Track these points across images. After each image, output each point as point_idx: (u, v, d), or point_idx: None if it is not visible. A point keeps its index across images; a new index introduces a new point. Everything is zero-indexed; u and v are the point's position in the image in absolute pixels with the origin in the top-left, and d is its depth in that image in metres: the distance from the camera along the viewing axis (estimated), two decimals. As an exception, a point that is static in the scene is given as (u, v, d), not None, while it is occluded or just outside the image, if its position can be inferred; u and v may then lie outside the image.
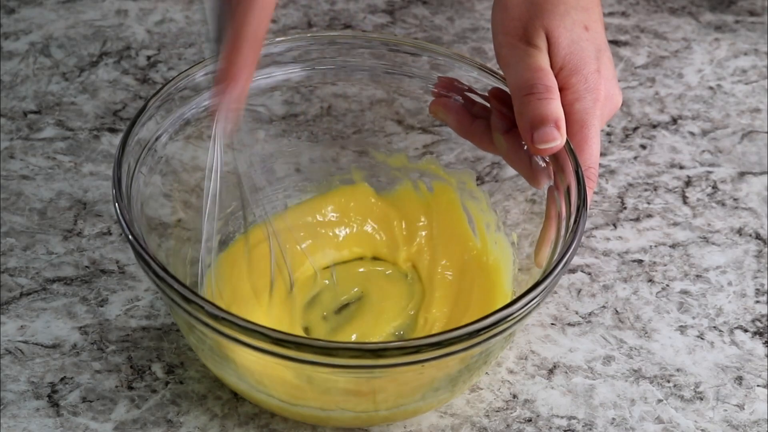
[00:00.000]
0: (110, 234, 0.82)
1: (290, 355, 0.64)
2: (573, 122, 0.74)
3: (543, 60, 0.74)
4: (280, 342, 0.63)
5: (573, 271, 0.82)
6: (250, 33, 0.65)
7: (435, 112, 0.79)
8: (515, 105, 0.73)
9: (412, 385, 0.69)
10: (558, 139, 0.72)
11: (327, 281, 0.79)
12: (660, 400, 0.75)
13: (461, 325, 0.64)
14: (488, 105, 0.77)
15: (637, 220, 0.86)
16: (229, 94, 0.66)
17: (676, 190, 0.88)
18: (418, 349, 0.64)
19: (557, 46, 0.74)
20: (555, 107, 0.72)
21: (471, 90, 0.78)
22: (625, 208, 0.87)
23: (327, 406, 0.70)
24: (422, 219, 0.82)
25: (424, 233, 0.81)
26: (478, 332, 0.64)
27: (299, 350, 0.63)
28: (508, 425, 0.74)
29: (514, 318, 0.65)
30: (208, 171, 0.71)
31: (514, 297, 0.69)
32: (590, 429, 0.74)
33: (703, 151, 0.91)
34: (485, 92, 0.77)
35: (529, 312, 0.66)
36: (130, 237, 0.67)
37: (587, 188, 0.71)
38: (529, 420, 0.74)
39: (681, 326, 0.79)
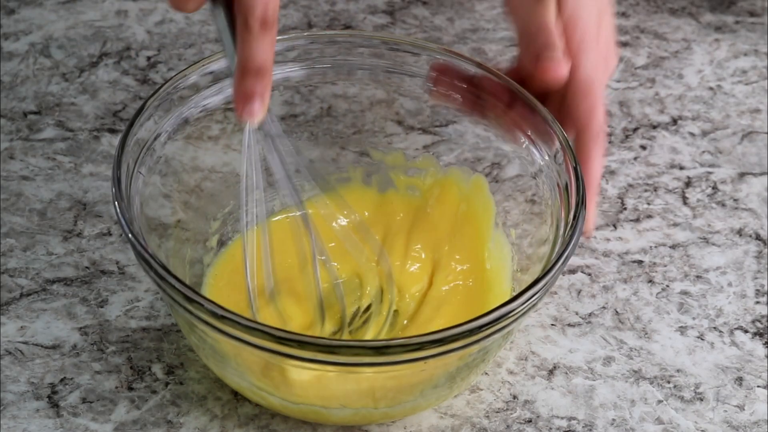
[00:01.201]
0: (110, 235, 0.82)
1: (293, 354, 0.64)
2: (577, 90, 0.76)
3: (550, 15, 0.76)
4: (282, 340, 0.63)
5: (573, 271, 0.82)
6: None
7: (436, 96, 0.80)
8: (522, 54, 0.76)
9: (412, 382, 0.69)
10: (563, 66, 0.75)
11: (334, 281, 0.80)
12: (660, 401, 0.75)
13: (462, 322, 0.64)
14: (486, 74, 0.78)
15: (637, 220, 0.86)
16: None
17: (676, 190, 0.88)
18: (420, 346, 0.64)
19: (563, 3, 0.76)
20: (564, 66, 0.75)
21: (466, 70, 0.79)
22: (625, 208, 0.86)
23: (327, 403, 0.70)
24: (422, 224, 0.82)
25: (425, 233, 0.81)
26: (479, 329, 0.65)
27: (302, 348, 0.63)
28: (508, 426, 0.74)
29: (514, 314, 0.65)
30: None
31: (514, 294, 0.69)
32: (590, 430, 0.74)
33: (703, 151, 0.91)
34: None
35: (529, 309, 0.66)
36: (130, 236, 0.67)
37: (599, 154, 0.74)
38: (529, 421, 0.74)
39: (681, 327, 0.79)
